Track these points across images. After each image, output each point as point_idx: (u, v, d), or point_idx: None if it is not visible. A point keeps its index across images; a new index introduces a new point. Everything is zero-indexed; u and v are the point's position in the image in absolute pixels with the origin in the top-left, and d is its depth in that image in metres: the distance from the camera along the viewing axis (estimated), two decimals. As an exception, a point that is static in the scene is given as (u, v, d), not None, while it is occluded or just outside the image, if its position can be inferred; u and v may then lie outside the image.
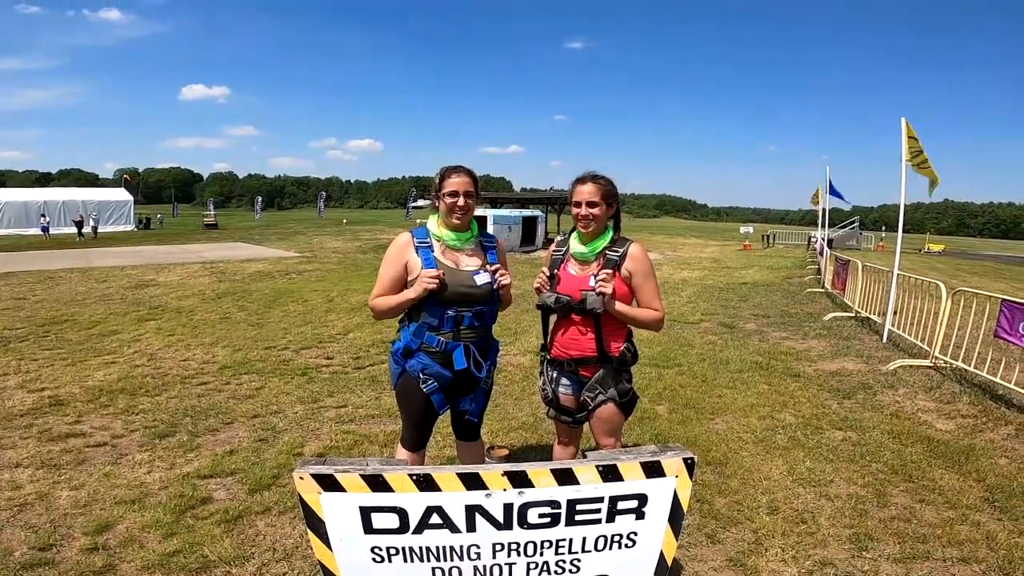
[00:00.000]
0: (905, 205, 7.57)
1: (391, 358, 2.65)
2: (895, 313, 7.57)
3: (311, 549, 1.70)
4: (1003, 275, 20.18)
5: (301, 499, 1.63)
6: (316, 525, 1.65)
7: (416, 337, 2.54)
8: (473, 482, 1.63)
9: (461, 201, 2.51)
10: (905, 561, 2.78)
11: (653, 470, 1.69)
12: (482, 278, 2.55)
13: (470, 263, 2.59)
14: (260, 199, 63.23)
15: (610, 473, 1.67)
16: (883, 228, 46.08)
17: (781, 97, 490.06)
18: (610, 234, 2.58)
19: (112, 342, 6.98)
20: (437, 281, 2.43)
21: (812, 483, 3.57)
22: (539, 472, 1.64)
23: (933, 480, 3.63)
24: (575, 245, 2.62)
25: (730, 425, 4.54)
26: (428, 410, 2.62)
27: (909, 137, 7.27)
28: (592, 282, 2.49)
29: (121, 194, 38.30)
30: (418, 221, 2.69)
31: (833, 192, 15.75)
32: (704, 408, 4.90)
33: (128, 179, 56.24)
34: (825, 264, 14.23)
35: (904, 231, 7.79)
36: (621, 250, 2.53)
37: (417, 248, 2.55)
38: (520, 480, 1.64)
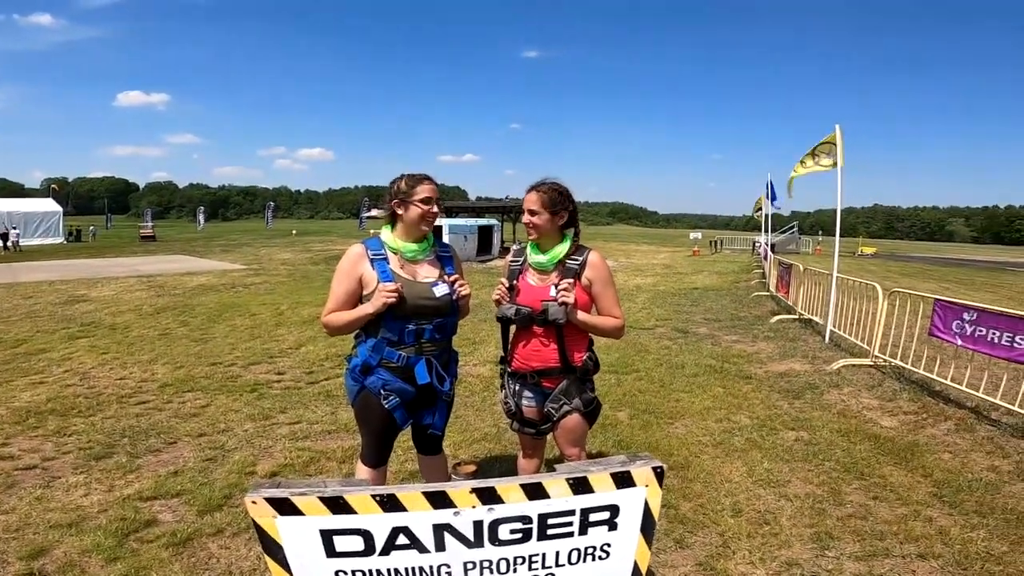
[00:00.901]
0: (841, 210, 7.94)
1: (348, 375, 2.54)
2: (836, 314, 7.88)
3: (270, 573, 1.60)
4: (931, 275, 21.45)
5: (255, 524, 1.53)
6: (274, 550, 1.55)
7: (375, 353, 2.44)
8: (440, 500, 1.56)
9: (435, 208, 2.46)
10: (867, 559, 2.85)
11: (623, 481, 1.66)
12: (441, 289, 2.48)
13: (428, 275, 2.52)
14: (203, 209, 60.75)
15: (581, 486, 1.63)
16: (820, 232, 48.25)
17: (727, 106, 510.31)
18: (568, 243, 2.55)
19: (40, 361, 6.52)
20: (397, 295, 2.35)
21: (771, 484, 3.64)
22: (508, 488, 1.59)
23: (883, 477, 3.75)
24: (533, 255, 2.57)
25: (689, 429, 4.60)
26: (390, 426, 2.52)
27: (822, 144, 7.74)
28: (553, 292, 2.45)
29: (49, 204, 36.25)
30: (372, 231, 2.59)
31: (774, 196, 16.32)
32: (664, 413, 4.96)
33: (56, 189, 52.96)
34: (769, 268, 14.76)
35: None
36: (580, 258, 2.52)
37: (372, 260, 2.45)
38: (489, 496, 1.58)
